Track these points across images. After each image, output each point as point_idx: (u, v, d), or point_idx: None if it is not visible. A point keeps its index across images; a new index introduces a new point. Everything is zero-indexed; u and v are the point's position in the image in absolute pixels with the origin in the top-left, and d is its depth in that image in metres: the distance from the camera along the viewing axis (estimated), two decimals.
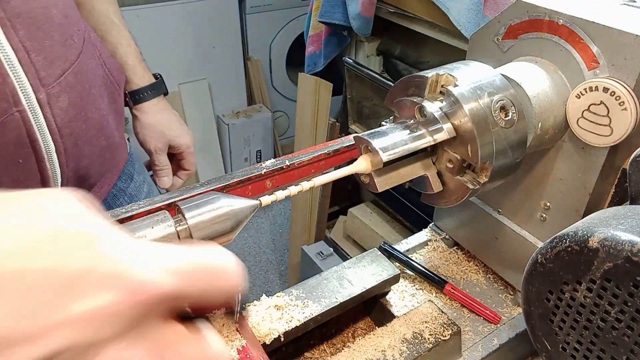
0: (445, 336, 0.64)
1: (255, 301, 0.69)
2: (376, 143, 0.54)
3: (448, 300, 0.76)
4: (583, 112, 0.57)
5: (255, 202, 0.49)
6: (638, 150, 0.52)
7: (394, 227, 2.05)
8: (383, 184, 0.56)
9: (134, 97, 1.05)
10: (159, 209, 0.49)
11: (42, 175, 0.68)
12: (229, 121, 3.24)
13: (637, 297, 0.43)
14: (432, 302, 0.69)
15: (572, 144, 0.61)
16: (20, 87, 0.59)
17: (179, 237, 0.45)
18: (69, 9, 0.72)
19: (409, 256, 0.82)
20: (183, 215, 0.46)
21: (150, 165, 1.15)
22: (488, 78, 0.57)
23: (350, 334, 0.75)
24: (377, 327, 0.72)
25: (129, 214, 0.48)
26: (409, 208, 1.90)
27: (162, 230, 0.44)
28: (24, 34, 0.57)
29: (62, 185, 0.70)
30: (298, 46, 3.13)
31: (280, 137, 3.64)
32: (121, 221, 0.47)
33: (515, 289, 0.77)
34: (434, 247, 0.86)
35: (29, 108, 0.62)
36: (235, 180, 0.53)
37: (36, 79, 0.61)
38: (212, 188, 0.52)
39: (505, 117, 0.55)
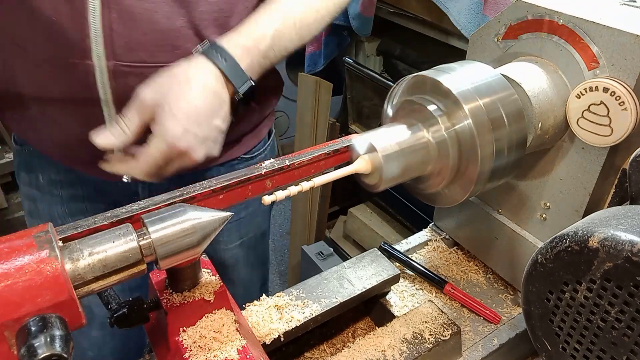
0: (445, 336, 0.64)
1: (255, 301, 0.69)
2: (376, 142, 0.54)
3: (448, 300, 0.76)
4: (583, 112, 0.57)
5: (226, 214, 0.48)
6: (638, 150, 0.52)
7: (394, 227, 2.05)
8: (385, 183, 0.55)
9: None
10: (123, 221, 0.47)
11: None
12: None
13: (637, 297, 0.43)
14: (432, 302, 0.69)
15: (572, 144, 0.61)
16: (95, 47, 0.68)
17: (141, 252, 0.43)
18: (190, 27, 0.73)
19: (409, 256, 0.82)
20: (147, 229, 0.44)
21: None
22: (488, 78, 0.57)
23: (350, 334, 0.75)
24: (377, 327, 0.72)
25: (92, 226, 0.46)
26: (409, 208, 1.90)
27: (124, 245, 0.43)
28: (115, 17, 0.67)
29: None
30: None
31: (280, 137, 3.64)
32: (85, 233, 0.45)
33: (515, 289, 0.77)
34: (434, 247, 0.86)
35: (97, 61, 0.69)
36: (235, 180, 0.53)
37: (110, 52, 0.69)
38: (211, 189, 0.52)
39: None
